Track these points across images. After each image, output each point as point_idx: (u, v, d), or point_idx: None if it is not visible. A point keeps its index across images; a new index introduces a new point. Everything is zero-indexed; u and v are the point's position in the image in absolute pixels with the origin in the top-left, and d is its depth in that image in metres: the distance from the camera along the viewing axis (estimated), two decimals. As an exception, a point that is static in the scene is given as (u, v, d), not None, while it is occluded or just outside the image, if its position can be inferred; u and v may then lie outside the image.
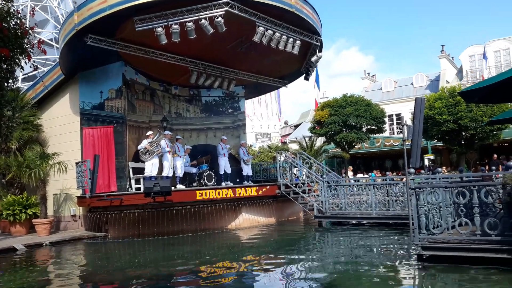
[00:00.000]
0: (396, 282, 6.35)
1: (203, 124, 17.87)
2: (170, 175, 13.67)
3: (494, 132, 23.40)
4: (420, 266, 6.76)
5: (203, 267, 8.20)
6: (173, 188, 12.99)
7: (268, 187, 14.74)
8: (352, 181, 16.25)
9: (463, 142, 23.98)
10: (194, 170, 15.23)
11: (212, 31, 11.43)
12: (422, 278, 6.46)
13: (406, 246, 8.84)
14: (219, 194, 13.33)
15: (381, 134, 29.49)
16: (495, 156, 23.05)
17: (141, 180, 13.80)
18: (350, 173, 24.34)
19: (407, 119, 28.54)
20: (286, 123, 62.45)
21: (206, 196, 13.03)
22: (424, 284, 6.23)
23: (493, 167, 13.35)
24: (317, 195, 14.15)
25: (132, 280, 7.28)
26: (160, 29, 11.38)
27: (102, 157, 13.17)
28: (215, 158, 15.76)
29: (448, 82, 34.81)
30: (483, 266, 6.18)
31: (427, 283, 6.23)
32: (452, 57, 40.10)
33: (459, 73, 37.83)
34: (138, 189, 13.81)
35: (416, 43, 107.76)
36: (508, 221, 6.19)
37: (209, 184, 14.35)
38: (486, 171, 14.08)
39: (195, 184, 14.83)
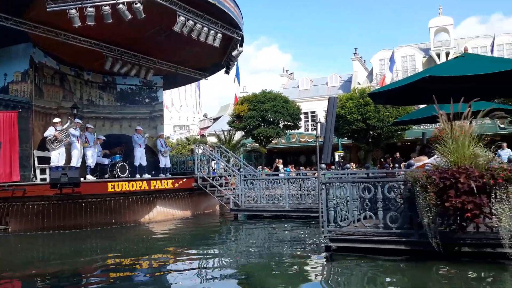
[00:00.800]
0: (305, 272, 6.61)
1: (117, 113, 17.15)
2: (79, 165, 12.95)
3: (399, 132, 25.26)
4: (327, 257, 7.08)
5: (112, 262, 7.89)
6: (82, 179, 12.34)
7: (184, 180, 14.56)
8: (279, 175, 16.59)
9: (370, 141, 25.59)
10: (106, 161, 14.58)
11: (130, 17, 10.99)
12: (329, 268, 6.79)
13: (315, 238, 9.23)
14: (132, 187, 12.90)
15: (296, 130, 30.49)
16: (398, 154, 24.89)
17: (47, 170, 12.92)
18: (281, 166, 24.83)
19: (321, 117, 29.77)
20: (205, 115, 62.15)
21: (118, 188, 12.54)
22: (331, 273, 6.54)
23: (396, 165, 14.40)
24: (234, 189, 14.26)
25: (35, 278, 6.79)
26: (73, 11, 10.70)
27: (3, 145, 12.10)
28: (130, 149, 15.22)
29: (359, 84, 36.85)
30: (386, 257, 6.64)
31: (333, 273, 6.55)
32: (364, 60, 42.53)
33: (370, 75, 40.21)
34: (44, 179, 12.92)
35: (332, 45, 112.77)
36: (407, 215, 6.69)
37: (122, 176, 13.82)
38: (390, 168, 15.12)
39: (107, 175, 14.20)
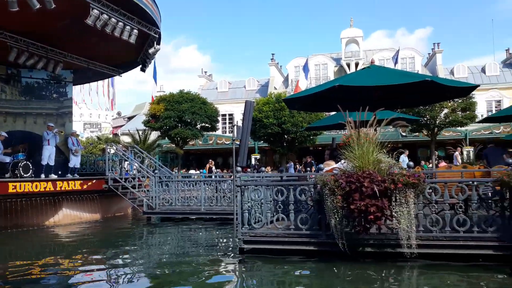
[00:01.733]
0: (217, 275, 6.62)
1: (21, 108, 15.86)
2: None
3: (311, 137, 26.32)
4: (241, 259, 7.17)
5: (9, 269, 7.28)
6: (-22, 179, 11.26)
7: (94, 181, 13.88)
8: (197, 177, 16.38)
9: (285, 144, 26.36)
10: (7, 159, 13.42)
11: (38, 6, 10.23)
12: (242, 269, 6.87)
13: (230, 241, 9.29)
14: (36, 187, 12.05)
15: (214, 132, 30.47)
16: (308, 158, 25.85)
17: None
18: (213, 168, 24.54)
19: (239, 119, 30.08)
20: (119, 114, 59.71)
21: (20, 189, 11.65)
22: (243, 275, 6.62)
23: (308, 168, 14.99)
24: (148, 191, 13.89)
25: None
26: (-29, -6, 9.72)
27: None
28: (37, 147, 14.15)
29: (276, 89, 37.85)
30: (297, 257, 6.87)
31: (246, 274, 6.64)
32: (281, 66, 43.74)
33: (286, 81, 41.45)
34: None
35: (250, 49, 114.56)
36: (316, 217, 7.00)
37: (25, 175, 12.80)
38: (302, 171, 15.70)
39: (8, 175, 13.07)
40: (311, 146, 29.32)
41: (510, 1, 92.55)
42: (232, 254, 7.76)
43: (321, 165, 7.75)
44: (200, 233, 10.93)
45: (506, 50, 40.64)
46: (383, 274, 6.09)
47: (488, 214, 6.52)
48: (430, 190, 6.53)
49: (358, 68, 35.95)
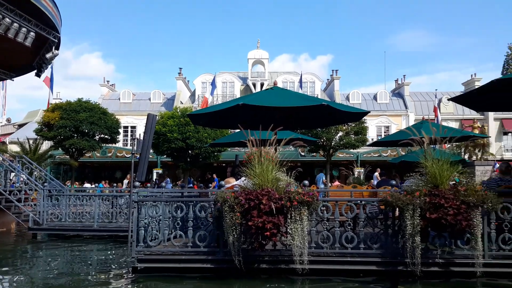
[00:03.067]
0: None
1: None
2: None
3: (215, 153, 26.37)
4: (134, 279, 6.86)
5: None
6: None
7: (-29, 193, 12.45)
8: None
9: (188, 160, 26.08)
10: None
11: None
12: (135, 290, 6.57)
13: (124, 259, 8.86)
14: None
15: (114, 145, 29.18)
16: (208, 175, 25.89)
17: None
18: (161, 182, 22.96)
19: (142, 132, 29.18)
20: (8, 120, 54.67)
21: None
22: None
23: (210, 184, 14.98)
24: (35, 205, 12.80)
25: None
26: None
27: None
28: None
29: (182, 103, 37.48)
30: (194, 275, 6.75)
31: (139, 295, 6.36)
32: (188, 81, 43.51)
33: (192, 96, 41.28)
34: None
35: (157, 61, 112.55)
36: (215, 234, 6.98)
37: None
38: (203, 187, 15.61)
39: None
40: (215, 162, 29.37)
41: (400, 36, 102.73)
42: (126, 274, 7.40)
43: (222, 182, 7.78)
44: (92, 252, 10.29)
45: (395, 80, 44.77)
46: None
47: (374, 231, 7.03)
48: (323, 208, 6.87)
49: (263, 89, 37.09)
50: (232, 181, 7.74)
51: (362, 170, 23.57)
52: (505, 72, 48.56)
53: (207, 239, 6.95)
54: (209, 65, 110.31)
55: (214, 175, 25.74)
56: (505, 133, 40.49)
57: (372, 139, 30.24)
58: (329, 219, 7.04)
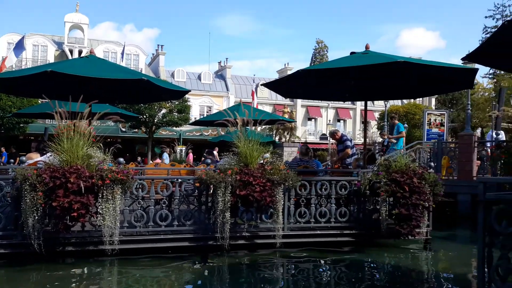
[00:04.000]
0: None
1: None
2: None
3: (21, 125, 23.43)
4: None
5: None
6: None
7: None
8: None
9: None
10: None
11: None
12: None
13: None
14: None
15: None
16: (13, 150, 22.76)
17: None
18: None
19: None
20: None
21: None
22: None
23: (12, 160, 13.23)
24: None
25: None
26: None
27: None
28: None
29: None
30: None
31: None
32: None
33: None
34: None
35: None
36: (13, 215, 6.18)
37: None
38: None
39: None
40: (21, 135, 26.12)
41: (226, 19, 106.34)
42: None
43: (23, 158, 6.91)
44: None
45: (219, 62, 46.36)
46: (80, 274, 5.89)
47: (189, 209, 7.18)
48: (139, 187, 6.71)
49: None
50: (35, 157, 6.95)
51: (184, 148, 23.89)
52: (312, 63, 54.81)
53: (2, 222, 6.12)
54: (18, 24, 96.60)
55: (3, 149, 22.18)
56: (310, 119, 45.92)
57: (195, 118, 30.85)
58: (145, 198, 6.92)
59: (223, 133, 27.87)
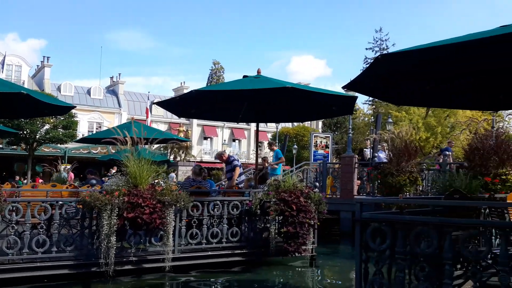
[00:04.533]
0: None
1: None
2: None
3: None
4: None
5: None
6: None
7: None
8: None
9: None
10: None
11: None
12: None
13: None
14: None
15: None
16: None
17: None
18: None
19: None
20: None
21: None
22: None
23: None
24: None
25: None
26: None
27: None
28: None
29: None
30: None
31: None
32: None
33: None
34: None
35: None
36: None
37: None
38: None
39: None
40: None
41: (121, 33, 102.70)
42: None
43: None
44: None
45: (111, 77, 44.55)
46: None
47: (70, 233, 6.65)
48: (13, 209, 6.08)
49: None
50: None
51: (69, 166, 22.31)
52: (209, 83, 55.31)
53: None
54: None
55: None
56: (205, 138, 46.04)
57: (83, 135, 29.09)
58: (19, 222, 6.28)
59: (113, 151, 26.62)
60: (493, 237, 4.34)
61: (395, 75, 4.77)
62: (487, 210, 5.61)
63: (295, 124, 38.03)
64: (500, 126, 15.75)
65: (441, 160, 13.31)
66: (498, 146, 8.14)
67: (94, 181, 6.83)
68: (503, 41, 3.74)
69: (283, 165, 13.11)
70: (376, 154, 14.35)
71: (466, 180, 5.93)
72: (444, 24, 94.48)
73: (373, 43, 48.02)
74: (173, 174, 27.25)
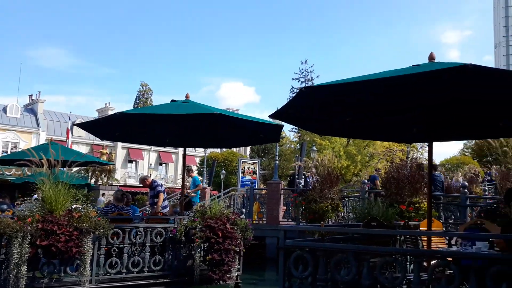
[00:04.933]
0: None
1: None
2: None
3: None
4: None
5: None
6: None
7: None
8: None
9: None
10: None
11: None
12: None
13: None
14: None
15: None
16: None
17: None
18: None
19: None
20: None
21: None
22: None
23: None
24: None
25: None
26: None
27: None
28: None
29: None
30: None
31: None
32: None
33: None
34: None
35: None
36: None
37: None
38: None
39: None
40: None
41: (42, 49, 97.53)
42: None
43: None
44: None
45: (30, 95, 42.03)
46: None
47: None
48: None
49: None
50: None
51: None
52: (136, 105, 54.05)
53: None
54: None
55: None
56: (130, 161, 44.60)
57: (-6, 155, 26.92)
58: None
59: (29, 173, 24.83)
60: (408, 262, 4.60)
61: (317, 107, 5.00)
62: (402, 237, 5.97)
63: (224, 149, 38.12)
64: (414, 157, 16.87)
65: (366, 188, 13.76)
66: (412, 176, 8.74)
67: (5, 206, 6.29)
68: (416, 80, 4.08)
69: (210, 190, 13.00)
70: (300, 181, 14.72)
71: (383, 208, 6.28)
72: (366, 59, 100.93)
73: (299, 74, 50.02)
74: (102, 198, 26.03)
